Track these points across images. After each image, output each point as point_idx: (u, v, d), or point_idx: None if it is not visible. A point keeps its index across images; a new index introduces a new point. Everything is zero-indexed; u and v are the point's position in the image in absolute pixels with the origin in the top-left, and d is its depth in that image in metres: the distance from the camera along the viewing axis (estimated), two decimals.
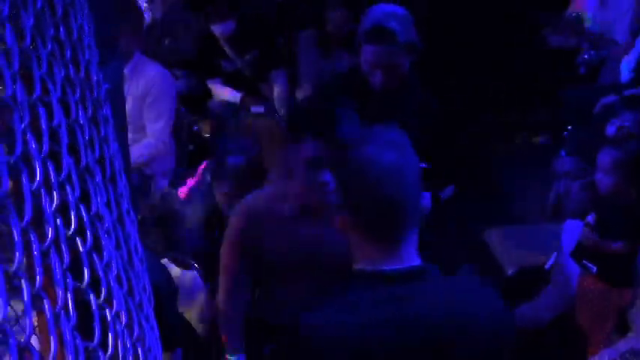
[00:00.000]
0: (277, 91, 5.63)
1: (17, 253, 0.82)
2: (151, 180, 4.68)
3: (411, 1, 4.23)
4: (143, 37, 5.10)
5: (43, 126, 1.07)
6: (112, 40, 2.30)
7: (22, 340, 0.81)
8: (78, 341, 0.98)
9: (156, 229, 3.49)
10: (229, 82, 5.64)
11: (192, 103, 5.50)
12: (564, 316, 3.53)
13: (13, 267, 0.82)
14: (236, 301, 2.92)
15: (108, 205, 1.37)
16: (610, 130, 3.81)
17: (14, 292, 0.82)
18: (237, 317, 2.95)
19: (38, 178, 0.96)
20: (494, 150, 6.56)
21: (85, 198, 1.20)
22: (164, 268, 3.17)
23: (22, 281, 0.82)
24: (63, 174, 1.11)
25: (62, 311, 0.95)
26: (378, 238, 1.93)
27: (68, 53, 1.35)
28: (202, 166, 4.34)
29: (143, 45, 5.03)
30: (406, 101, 3.51)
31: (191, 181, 4.33)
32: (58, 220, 1.03)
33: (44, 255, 0.93)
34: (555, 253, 3.72)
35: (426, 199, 2.77)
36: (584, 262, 3.24)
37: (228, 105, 5.58)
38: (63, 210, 1.08)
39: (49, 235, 0.96)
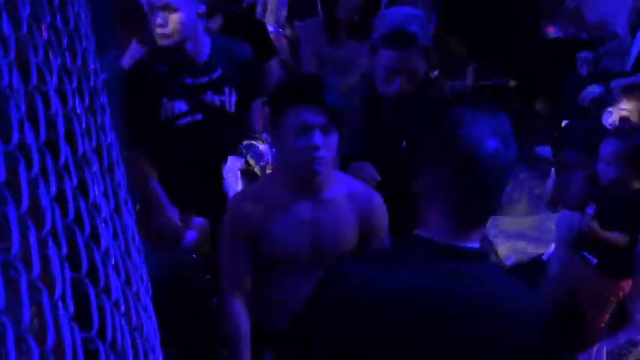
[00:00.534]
0: (273, 81, 5.61)
1: (14, 243, 0.81)
2: None
3: None
4: (141, 27, 5.08)
5: (40, 115, 1.06)
6: (110, 28, 2.29)
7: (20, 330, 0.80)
8: (76, 331, 0.97)
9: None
10: None
11: None
12: (562, 307, 3.53)
13: (10, 256, 0.81)
14: (238, 294, 2.90)
15: (105, 194, 1.36)
16: (606, 118, 3.80)
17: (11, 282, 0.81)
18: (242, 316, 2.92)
19: (35, 167, 0.96)
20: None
21: (82, 187, 1.19)
22: (163, 259, 3.16)
23: (20, 271, 0.82)
24: (60, 163, 1.10)
25: (60, 301, 0.94)
26: (458, 215, 1.93)
27: (65, 42, 1.34)
28: None
29: (141, 35, 5.02)
30: (423, 106, 3.37)
31: None
32: (56, 209, 1.02)
33: (41, 244, 0.92)
34: (553, 245, 3.72)
35: None
36: (583, 253, 3.24)
37: None
38: (60, 199, 1.07)
39: (47, 224, 0.96)
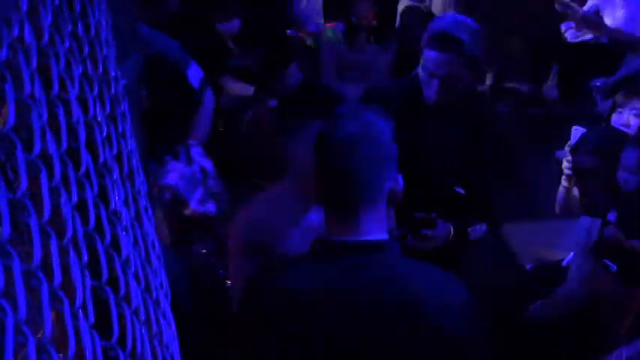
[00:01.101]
0: (291, 85, 5.61)
1: (35, 253, 0.81)
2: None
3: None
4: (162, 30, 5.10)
5: (62, 123, 1.06)
6: (131, 33, 2.30)
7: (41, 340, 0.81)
8: (96, 340, 0.98)
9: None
10: (239, 78, 5.63)
11: None
12: (580, 314, 3.50)
13: (32, 266, 0.82)
14: None
15: (126, 202, 1.36)
16: (617, 119, 3.77)
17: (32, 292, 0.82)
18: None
19: (57, 176, 0.96)
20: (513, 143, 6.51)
21: (103, 195, 1.20)
22: (180, 261, 3.18)
23: (41, 280, 0.82)
24: (81, 171, 1.11)
25: (80, 310, 0.94)
26: (338, 208, 2.00)
27: (86, 49, 1.35)
28: None
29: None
30: (464, 117, 3.36)
31: None
32: (77, 218, 1.03)
33: (62, 253, 0.93)
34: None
35: (399, 182, 2.74)
36: (604, 260, 3.21)
37: (240, 100, 5.58)
38: (81, 207, 1.08)
39: (68, 233, 0.96)
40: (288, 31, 5.83)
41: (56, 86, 1.08)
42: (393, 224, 2.66)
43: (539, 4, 6.58)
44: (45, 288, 0.82)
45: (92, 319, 0.99)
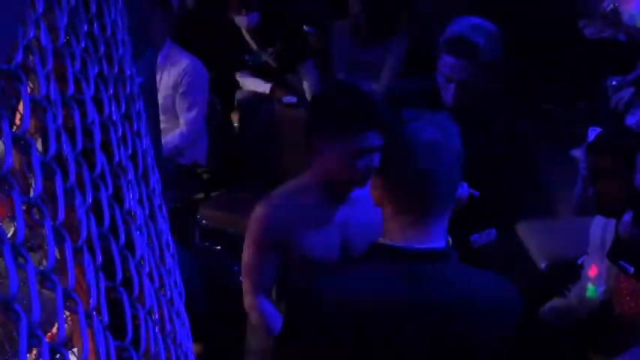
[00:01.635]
0: (307, 82, 5.61)
1: (50, 256, 0.82)
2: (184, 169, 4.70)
3: None
4: (174, 25, 5.11)
5: (77, 124, 1.07)
6: (145, 30, 2.30)
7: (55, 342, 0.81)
8: (110, 341, 0.98)
9: None
10: (256, 73, 5.62)
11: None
12: (596, 313, 3.49)
13: (46, 269, 0.82)
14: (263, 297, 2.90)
15: (140, 201, 1.37)
16: (631, 118, 3.75)
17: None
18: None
19: (72, 178, 0.96)
20: (528, 141, 6.49)
21: (117, 195, 1.20)
22: (192, 259, 3.18)
23: (56, 283, 0.83)
24: (96, 172, 1.11)
25: (94, 311, 0.95)
26: (410, 213, 1.96)
27: (102, 49, 1.35)
28: None
29: (174, 32, 5.05)
30: (483, 119, 3.32)
31: None
32: (91, 218, 1.03)
33: (76, 255, 0.93)
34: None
35: (464, 190, 2.76)
36: (620, 262, 3.20)
37: (256, 96, 5.58)
38: (96, 208, 1.08)
39: (82, 235, 0.97)
40: (305, 28, 5.80)
41: (72, 87, 1.09)
42: None
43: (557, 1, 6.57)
44: (59, 291, 0.82)
45: (106, 319, 1.00)
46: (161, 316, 1.26)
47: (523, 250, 4.82)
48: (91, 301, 0.95)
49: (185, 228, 4.52)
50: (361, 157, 2.58)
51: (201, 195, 5.11)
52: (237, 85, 5.71)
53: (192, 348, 1.55)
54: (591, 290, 3.34)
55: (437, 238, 1.98)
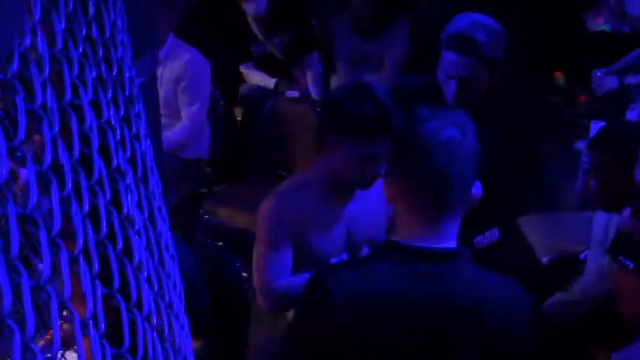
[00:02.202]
0: (311, 75, 5.60)
1: (45, 267, 0.81)
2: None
3: None
4: (177, 20, 5.10)
5: (74, 131, 1.06)
6: (148, 28, 2.30)
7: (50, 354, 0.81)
8: (107, 349, 0.98)
9: None
10: (261, 66, 5.61)
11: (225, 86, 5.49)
12: (597, 308, 3.49)
13: (41, 280, 0.82)
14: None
15: (139, 204, 1.37)
16: (630, 114, 3.74)
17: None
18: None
19: (68, 187, 0.96)
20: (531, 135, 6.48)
21: (115, 200, 1.20)
22: (194, 254, 3.18)
23: (50, 295, 0.82)
24: (93, 178, 1.11)
25: (90, 320, 0.95)
26: (425, 212, 1.96)
27: (100, 52, 1.35)
28: None
29: (177, 27, 5.04)
30: (485, 115, 3.31)
31: None
32: (88, 227, 1.03)
33: (72, 264, 0.93)
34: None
35: (477, 188, 2.75)
36: (620, 258, 3.20)
37: (260, 89, 5.57)
38: (93, 214, 1.08)
39: (78, 244, 0.96)
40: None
41: (69, 93, 1.08)
42: None
43: None
44: (54, 302, 0.82)
45: (103, 327, 1.00)
46: (159, 321, 1.26)
47: (525, 244, 4.81)
48: (87, 309, 0.95)
49: (187, 223, 4.52)
50: (371, 162, 2.58)
51: (203, 190, 5.11)
52: (240, 79, 5.71)
53: (192, 350, 1.55)
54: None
55: (450, 238, 1.99)
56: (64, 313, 0.90)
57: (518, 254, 4.50)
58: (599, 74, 5.29)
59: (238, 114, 5.73)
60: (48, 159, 0.92)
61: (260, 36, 5.60)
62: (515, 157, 3.40)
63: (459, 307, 1.96)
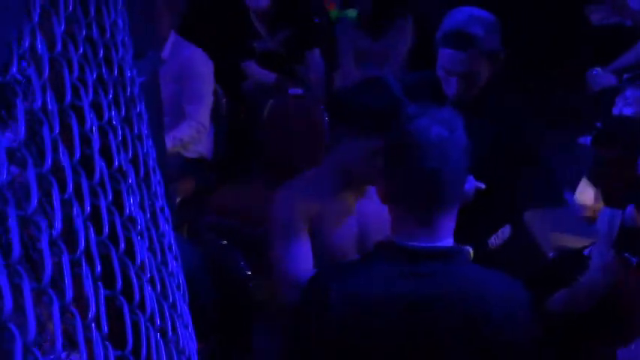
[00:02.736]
0: (313, 70, 5.60)
1: (46, 270, 0.81)
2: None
3: None
4: (179, 18, 5.09)
5: (75, 133, 1.06)
6: (148, 29, 2.30)
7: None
8: (109, 351, 0.98)
9: None
10: (263, 63, 5.60)
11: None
12: (602, 304, 3.48)
13: (42, 283, 0.82)
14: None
15: (141, 205, 1.36)
16: (615, 110, 3.72)
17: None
18: None
19: (69, 189, 0.96)
20: (536, 130, 6.47)
21: (117, 201, 1.20)
22: (198, 252, 3.18)
23: (52, 297, 0.82)
24: (95, 179, 1.11)
25: (93, 322, 0.95)
26: (417, 212, 1.96)
27: (101, 53, 1.35)
28: None
29: (179, 25, 5.03)
30: (486, 110, 3.30)
31: None
32: (90, 228, 1.03)
33: (74, 266, 0.93)
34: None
35: (470, 184, 2.75)
36: (624, 253, 3.20)
37: (263, 87, 5.56)
38: (94, 216, 1.08)
39: (80, 245, 0.96)
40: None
41: (69, 95, 1.08)
42: None
43: None
44: (56, 306, 0.82)
45: (105, 329, 1.00)
46: (163, 321, 1.26)
47: (530, 240, 4.81)
48: (90, 311, 0.95)
49: (191, 222, 4.52)
50: (372, 158, 2.58)
51: (207, 188, 5.11)
52: (243, 77, 5.70)
53: (195, 350, 1.55)
54: None
55: (444, 237, 1.98)
56: (68, 315, 0.90)
57: (524, 249, 4.50)
58: (594, 72, 5.30)
59: (241, 112, 5.73)
60: (49, 162, 0.92)
61: (263, 32, 5.59)
62: (516, 152, 3.39)
63: (453, 306, 1.95)
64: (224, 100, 5.29)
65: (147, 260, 1.26)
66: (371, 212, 2.78)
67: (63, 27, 1.13)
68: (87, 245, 0.99)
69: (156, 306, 1.23)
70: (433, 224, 1.97)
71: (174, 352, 1.26)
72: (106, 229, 1.10)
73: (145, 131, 1.57)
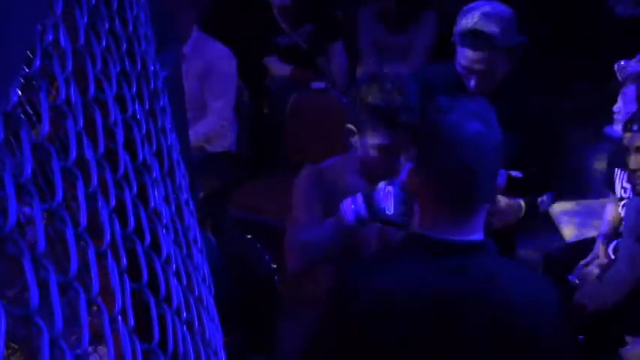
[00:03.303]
0: (336, 64, 5.58)
1: (72, 264, 0.81)
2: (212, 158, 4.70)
3: None
4: (201, 14, 5.10)
5: (99, 126, 1.06)
6: (170, 22, 2.29)
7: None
8: (136, 344, 0.98)
9: None
10: (286, 58, 5.59)
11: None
12: (631, 296, 3.46)
13: (69, 276, 0.82)
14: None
15: (166, 198, 1.36)
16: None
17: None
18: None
19: (94, 182, 0.96)
20: (560, 122, 6.43)
21: (142, 194, 1.19)
22: (219, 249, 3.18)
23: (78, 291, 0.82)
24: (119, 173, 1.10)
25: (119, 315, 0.94)
26: (450, 205, 1.95)
27: (124, 46, 1.34)
28: None
29: (203, 21, 5.04)
30: (506, 106, 3.28)
31: None
32: (115, 222, 1.02)
33: (100, 259, 0.92)
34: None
35: (502, 177, 2.73)
36: None
37: (286, 82, 5.56)
38: (120, 209, 1.08)
39: (106, 239, 0.96)
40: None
41: (92, 88, 1.08)
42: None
43: None
44: (82, 299, 0.81)
45: (132, 322, 0.99)
46: (189, 314, 1.26)
47: (553, 231, 4.80)
48: (116, 305, 0.95)
49: (216, 217, 4.52)
50: (386, 154, 2.58)
51: (231, 183, 5.11)
52: (267, 72, 5.70)
53: (222, 343, 1.55)
54: None
55: (475, 230, 1.97)
56: (94, 308, 0.90)
57: (546, 241, 4.49)
58: (622, 62, 5.26)
59: (265, 107, 5.73)
60: (73, 155, 0.92)
61: (285, 28, 5.58)
62: (542, 141, 3.37)
63: (484, 301, 1.94)
64: (247, 95, 5.29)
65: (172, 253, 1.26)
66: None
67: (86, 20, 1.12)
68: (112, 238, 0.98)
69: (182, 299, 1.22)
70: (467, 219, 1.96)
71: (200, 345, 1.26)
72: (132, 223, 1.09)
73: (168, 124, 1.56)
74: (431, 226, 1.99)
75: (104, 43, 1.20)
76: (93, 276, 0.87)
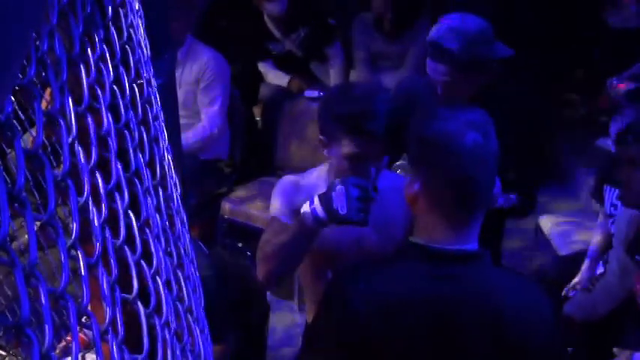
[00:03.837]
0: (334, 68, 5.58)
1: (64, 275, 0.81)
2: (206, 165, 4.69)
3: None
4: (195, 20, 5.09)
5: (92, 135, 1.05)
6: (164, 30, 2.29)
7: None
8: (126, 355, 0.97)
9: None
10: (280, 64, 5.60)
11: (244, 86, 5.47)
12: (620, 306, 3.46)
13: (60, 288, 0.81)
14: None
15: (158, 208, 1.36)
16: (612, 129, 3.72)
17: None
18: None
19: (86, 193, 0.95)
20: (554, 130, 6.45)
21: (134, 204, 1.19)
22: (210, 257, 3.18)
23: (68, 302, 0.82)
24: (112, 183, 1.10)
25: (109, 326, 0.94)
26: (448, 215, 1.95)
27: (118, 55, 1.34)
28: None
29: (195, 27, 5.04)
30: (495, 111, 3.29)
31: None
32: (106, 232, 1.02)
33: (91, 270, 0.92)
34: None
35: (497, 187, 2.74)
36: (637, 257, 3.17)
37: (279, 89, 5.56)
38: (111, 219, 1.07)
39: (97, 249, 0.96)
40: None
41: (87, 97, 1.07)
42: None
43: None
44: (72, 309, 0.81)
45: (122, 333, 0.99)
46: (179, 325, 1.25)
47: (544, 242, 4.80)
48: (106, 315, 0.94)
49: (208, 224, 4.52)
50: (356, 162, 2.58)
51: (223, 190, 5.11)
52: (260, 79, 5.70)
53: (211, 353, 1.54)
54: None
55: (471, 240, 1.98)
56: (84, 319, 0.90)
57: (538, 251, 4.50)
58: (614, 81, 5.28)
59: (257, 114, 5.73)
60: (67, 166, 0.92)
61: (277, 34, 5.58)
62: (531, 150, 3.41)
63: (478, 309, 1.95)
64: (240, 102, 5.29)
65: (163, 263, 1.26)
66: (375, 217, 2.76)
67: (81, 28, 1.12)
68: (104, 249, 0.98)
69: (172, 310, 1.22)
70: (462, 228, 1.96)
71: (189, 356, 1.25)
72: (123, 233, 1.09)
73: (161, 133, 1.56)
74: (426, 235, 1.99)
75: (98, 52, 1.20)
76: (84, 286, 0.87)
